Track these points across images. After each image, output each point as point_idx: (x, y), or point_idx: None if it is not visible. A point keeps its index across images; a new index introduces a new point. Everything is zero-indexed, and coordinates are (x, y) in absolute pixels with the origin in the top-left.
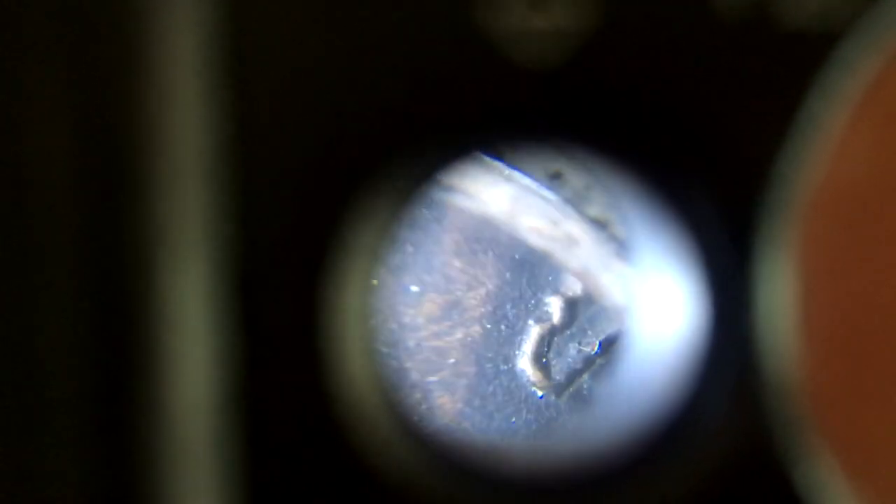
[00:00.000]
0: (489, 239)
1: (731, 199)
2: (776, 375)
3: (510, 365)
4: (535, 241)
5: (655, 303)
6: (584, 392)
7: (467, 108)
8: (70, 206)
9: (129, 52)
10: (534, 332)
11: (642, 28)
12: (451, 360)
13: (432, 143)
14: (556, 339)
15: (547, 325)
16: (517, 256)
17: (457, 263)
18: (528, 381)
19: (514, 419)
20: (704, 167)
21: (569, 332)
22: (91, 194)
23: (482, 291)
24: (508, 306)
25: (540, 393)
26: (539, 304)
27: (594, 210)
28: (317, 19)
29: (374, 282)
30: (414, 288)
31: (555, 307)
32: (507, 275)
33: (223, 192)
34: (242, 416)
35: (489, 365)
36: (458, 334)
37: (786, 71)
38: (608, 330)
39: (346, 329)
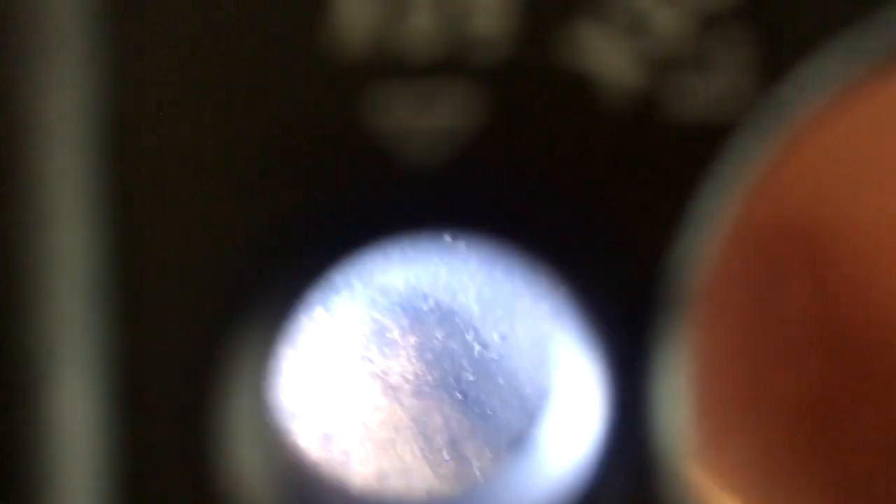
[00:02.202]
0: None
1: (624, 292)
2: (674, 463)
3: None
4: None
5: (557, 392)
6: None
7: (355, 208)
8: None
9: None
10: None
11: (529, 124)
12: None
13: (320, 243)
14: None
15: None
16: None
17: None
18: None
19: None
20: (597, 262)
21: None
22: None
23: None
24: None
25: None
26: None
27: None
28: (201, 123)
29: (265, 384)
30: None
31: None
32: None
33: (107, 298)
34: None
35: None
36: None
37: (676, 163)
38: (511, 416)
39: (236, 433)
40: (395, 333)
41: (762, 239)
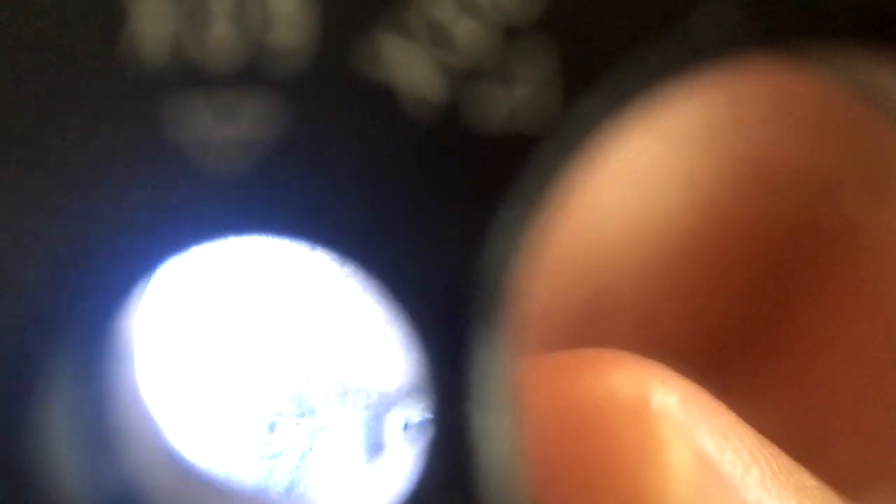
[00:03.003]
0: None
1: (434, 300)
2: (496, 479)
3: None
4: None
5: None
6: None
7: (158, 219)
8: None
9: None
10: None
11: (331, 134)
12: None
13: (125, 255)
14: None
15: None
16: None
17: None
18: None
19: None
20: (404, 270)
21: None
22: None
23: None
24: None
25: None
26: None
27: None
28: None
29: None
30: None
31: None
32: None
33: None
34: None
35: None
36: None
37: (480, 173)
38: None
39: (56, 456)
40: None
41: (573, 254)
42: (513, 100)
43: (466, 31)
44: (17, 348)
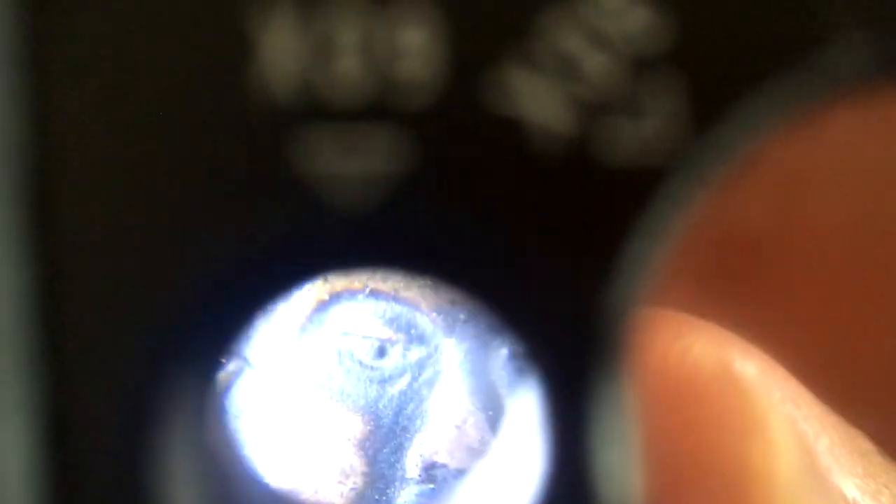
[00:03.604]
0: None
1: (559, 336)
2: None
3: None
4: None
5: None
6: None
7: (283, 253)
8: None
9: None
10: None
11: (459, 169)
12: None
13: (249, 287)
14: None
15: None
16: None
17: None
18: None
19: None
20: (530, 306)
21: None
22: None
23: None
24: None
25: None
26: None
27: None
28: (129, 170)
29: (203, 430)
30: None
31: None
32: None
33: (37, 349)
34: None
35: None
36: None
37: (608, 208)
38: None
39: (173, 481)
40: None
41: (698, 287)
42: (643, 132)
43: (596, 64)
44: (142, 380)
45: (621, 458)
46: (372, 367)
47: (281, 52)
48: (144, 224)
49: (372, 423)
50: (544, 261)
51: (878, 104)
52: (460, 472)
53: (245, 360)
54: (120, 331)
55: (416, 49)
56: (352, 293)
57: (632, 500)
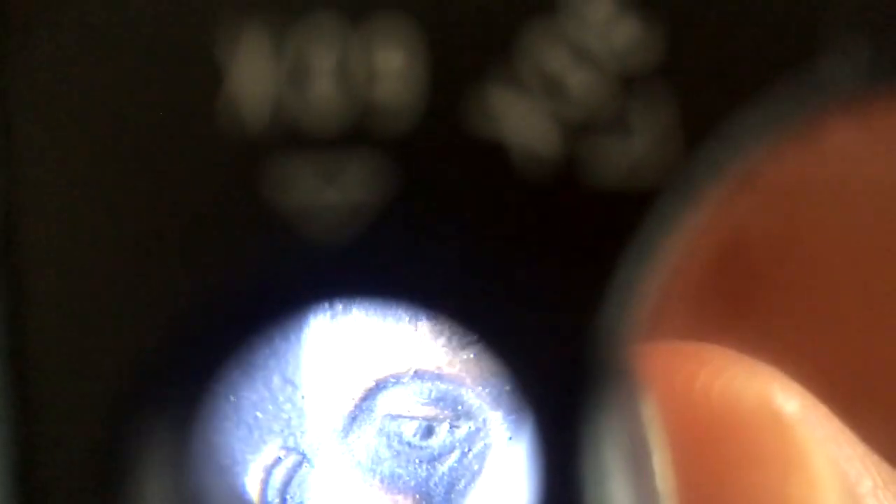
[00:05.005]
0: None
1: (548, 361)
2: None
3: None
4: None
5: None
6: None
7: (261, 286)
8: None
9: None
10: None
11: (442, 194)
12: None
13: (226, 322)
14: None
15: None
16: None
17: None
18: None
19: None
20: (519, 331)
21: None
22: None
23: None
24: None
25: None
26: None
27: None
28: (99, 203)
29: (181, 471)
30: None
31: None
32: None
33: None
34: None
35: None
36: None
37: (598, 230)
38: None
39: None
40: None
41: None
42: (631, 152)
43: (581, 81)
44: (119, 404)
45: (615, 491)
46: (421, 448)
47: (253, 78)
48: (113, 259)
49: (424, 502)
50: (532, 287)
51: (874, 116)
52: None
53: (301, 453)
54: (89, 372)
55: (394, 71)
56: (396, 377)
57: None
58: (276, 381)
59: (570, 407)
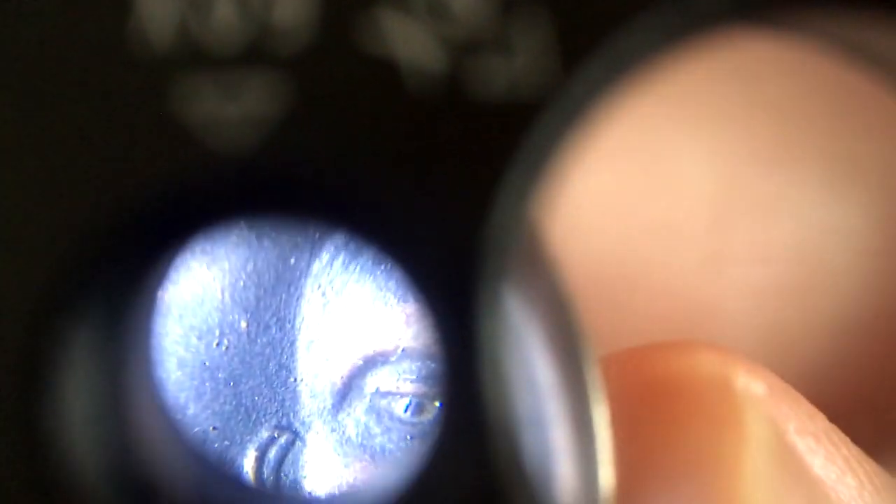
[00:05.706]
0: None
1: (443, 268)
2: (509, 439)
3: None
4: None
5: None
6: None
7: (168, 200)
8: None
9: None
10: None
11: (336, 110)
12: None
13: (137, 237)
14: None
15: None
16: None
17: None
18: None
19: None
20: (412, 240)
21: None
22: None
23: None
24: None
25: None
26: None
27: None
28: (9, 122)
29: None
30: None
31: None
32: None
33: None
34: None
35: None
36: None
37: (483, 143)
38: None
39: (72, 426)
40: None
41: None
42: (512, 69)
43: (464, 3)
44: (35, 318)
45: (509, 384)
46: (412, 424)
47: (158, 2)
48: (28, 177)
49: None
50: (424, 196)
51: (739, 43)
52: None
53: (294, 431)
54: (8, 285)
55: None
56: (384, 356)
57: (517, 426)
58: (272, 366)
59: (461, 310)
